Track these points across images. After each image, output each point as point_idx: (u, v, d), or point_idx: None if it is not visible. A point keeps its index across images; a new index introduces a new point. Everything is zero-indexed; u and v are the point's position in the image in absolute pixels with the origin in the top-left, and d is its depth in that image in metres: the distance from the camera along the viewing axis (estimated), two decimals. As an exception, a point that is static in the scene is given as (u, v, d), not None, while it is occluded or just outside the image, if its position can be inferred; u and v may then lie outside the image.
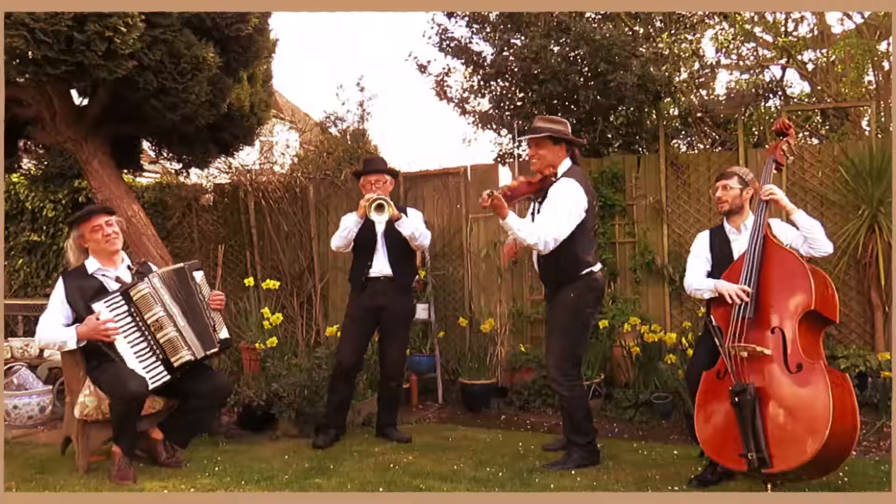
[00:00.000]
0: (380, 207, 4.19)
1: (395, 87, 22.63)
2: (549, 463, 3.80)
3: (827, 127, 6.64)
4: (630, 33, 6.23)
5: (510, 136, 6.84)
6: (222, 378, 4.01)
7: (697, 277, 3.57)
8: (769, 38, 6.82)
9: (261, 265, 6.75)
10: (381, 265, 4.35)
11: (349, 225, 4.31)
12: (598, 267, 3.79)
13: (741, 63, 6.68)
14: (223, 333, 3.95)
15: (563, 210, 3.59)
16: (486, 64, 6.31)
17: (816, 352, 3.13)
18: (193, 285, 3.85)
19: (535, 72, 5.79)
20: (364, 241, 4.36)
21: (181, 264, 3.94)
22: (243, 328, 5.59)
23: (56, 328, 3.58)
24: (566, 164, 3.75)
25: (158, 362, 3.62)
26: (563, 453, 3.89)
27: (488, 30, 6.41)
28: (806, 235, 3.35)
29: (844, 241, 5.01)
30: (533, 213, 3.83)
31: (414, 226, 4.32)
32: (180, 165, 6.34)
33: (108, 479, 3.50)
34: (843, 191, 5.20)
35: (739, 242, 3.54)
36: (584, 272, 3.70)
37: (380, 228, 4.37)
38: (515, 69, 5.97)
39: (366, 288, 4.35)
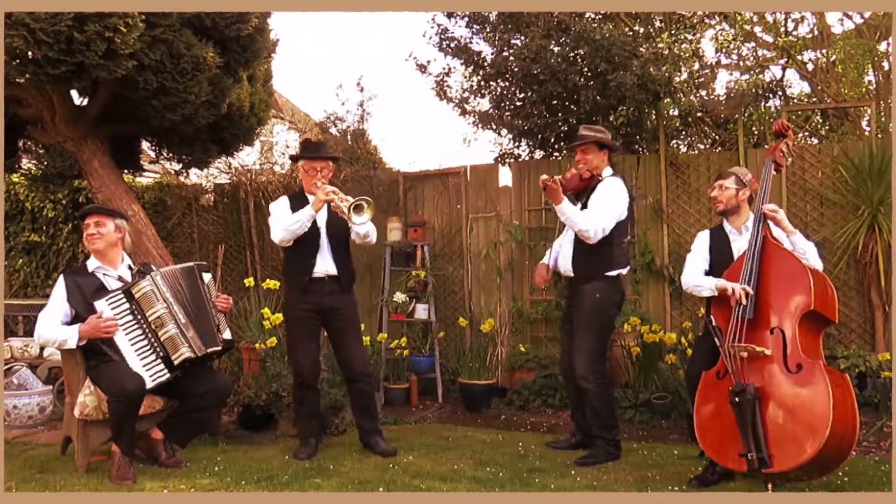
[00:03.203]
0: (359, 209, 3.76)
1: (395, 87, 22.64)
2: (579, 459, 3.86)
3: (827, 127, 6.64)
4: (630, 33, 6.22)
5: (510, 135, 6.84)
6: (222, 378, 4.01)
7: (696, 275, 3.56)
8: (769, 38, 6.82)
9: (261, 265, 6.75)
10: (325, 264, 3.99)
11: (302, 219, 3.89)
12: (625, 271, 4.01)
13: (741, 63, 6.68)
14: (226, 335, 3.96)
15: (612, 204, 3.86)
16: (486, 64, 6.31)
17: (816, 352, 3.13)
18: (202, 285, 3.87)
19: (535, 72, 5.79)
20: (305, 237, 3.96)
21: (191, 263, 3.94)
22: (243, 328, 5.58)
23: (56, 326, 3.58)
24: (608, 170, 4.03)
25: (158, 360, 3.62)
26: (582, 450, 3.99)
27: (488, 30, 6.41)
28: (799, 257, 3.32)
29: (844, 241, 5.01)
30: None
31: (370, 224, 3.96)
32: (180, 165, 6.35)
33: (108, 479, 3.50)
34: (843, 191, 5.20)
35: (739, 243, 3.54)
36: (612, 272, 3.90)
37: (322, 222, 4.02)
38: (515, 69, 5.97)
39: (308, 289, 3.99)
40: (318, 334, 4.15)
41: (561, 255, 4.08)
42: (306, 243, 3.99)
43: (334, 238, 4.04)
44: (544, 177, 3.78)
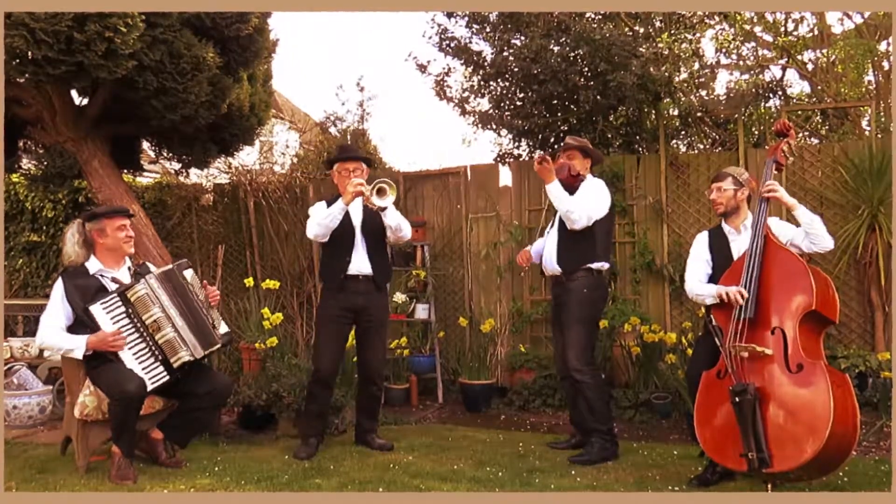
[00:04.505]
0: (381, 191, 3.89)
1: (395, 87, 22.65)
2: (573, 457, 3.89)
3: (827, 127, 6.64)
4: (630, 33, 6.22)
5: (510, 135, 6.85)
6: (222, 378, 4.00)
7: (698, 283, 3.56)
8: (769, 38, 6.82)
9: (261, 265, 6.75)
10: (360, 262, 4.06)
11: (333, 212, 3.94)
12: (607, 266, 4.10)
13: (741, 63, 6.67)
14: (223, 328, 3.94)
15: (599, 196, 4.03)
16: (486, 64, 6.31)
17: (817, 352, 3.13)
18: (186, 285, 3.81)
19: (535, 72, 5.79)
20: (340, 235, 4.03)
21: (170, 266, 3.90)
22: (243, 328, 5.58)
23: (61, 333, 3.56)
24: (590, 176, 4.19)
25: (157, 363, 3.61)
26: (581, 449, 3.99)
27: (488, 30, 6.41)
28: (807, 231, 3.35)
29: (844, 241, 5.00)
30: (552, 224, 4.21)
31: (399, 215, 4.07)
32: (180, 165, 6.34)
33: (108, 479, 3.50)
34: (843, 191, 5.20)
35: (738, 243, 3.54)
36: (596, 265, 4.00)
37: (357, 221, 4.09)
38: (515, 69, 5.97)
39: (343, 287, 4.06)
40: (347, 335, 4.21)
41: (545, 255, 4.16)
42: (341, 241, 4.06)
43: (370, 236, 4.10)
44: (540, 154, 3.92)
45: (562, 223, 4.04)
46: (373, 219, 4.08)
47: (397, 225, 4.03)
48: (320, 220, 3.98)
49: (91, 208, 4.45)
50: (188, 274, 3.87)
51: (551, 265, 4.10)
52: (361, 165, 4.17)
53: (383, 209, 3.94)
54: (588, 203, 3.96)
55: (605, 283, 4.17)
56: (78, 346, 3.52)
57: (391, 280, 4.34)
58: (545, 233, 4.27)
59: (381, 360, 4.31)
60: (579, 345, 3.95)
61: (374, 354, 4.21)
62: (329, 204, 4.06)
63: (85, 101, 5.42)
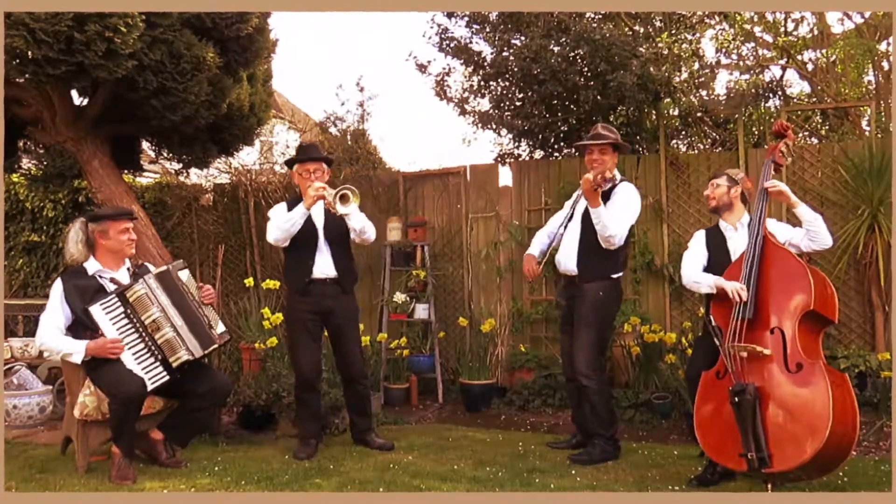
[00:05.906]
0: (344, 198, 3.83)
1: (395, 87, 22.65)
2: (573, 455, 3.89)
3: (827, 127, 6.64)
4: (630, 33, 6.23)
5: (510, 135, 6.85)
6: (222, 378, 4.01)
7: (695, 270, 3.57)
8: (769, 38, 6.82)
9: (261, 265, 6.75)
10: (324, 266, 4.00)
11: (294, 217, 3.87)
12: (622, 273, 4.04)
13: (741, 63, 6.68)
14: (220, 328, 3.93)
15: (633, 211, 3.94)
16: (486, 64, 6.31)
17: (816, 352, 3.14)
18: (181, 285, 3.81)
19: (535, 72, 5.79)
20: (303, 238, 3.96)
21: (165, 266, 3.90)
22: (243, 328, 5.58)
23: (61, 336, 3.56)
24: (617, 173, 4.04)
25: (157, 363, 3.61)
26: (582, 449, 3.99)
27: (488, 30, 6.41)
28: (808, 228, 3.38)
29: (844, 241, 5.00)
30: (571, 215, 4.07)
31: (363, 217, 4.01)
32: (180, 165, 6.34)
33: (108, 479, 3.50)
34: (843, 191, 5.20)
35: (735, 240, 3.56)
36: (616, 274, 3.95)
37: (319, 223, 4.03)
38: (515, 69, 5.97)
39: (308, 291, 4.00)
40: (320, 335, 4.15)
41: (562, 253, 4.05)
42: (304, 244, 3.99)
43: (332, 239, 4.04)
44: (590, 176, 3.73)
45: (584, 226, 3.92)
46: (336, 221, 4.01)
47: (362, 227, 3.98)
48: (280, 225, 3.91)
49: (92, 208, 4.45)
50: (184, 274, 3.88)
51: (568, 266, 3.99)
52: (322, 166, 4.08)
53: (346, 216, 3.89)
54: (626, 221, 3.86)
55: (619, 288, 4.03)
56: (77, 350, 3.51)
57: (357, 282, 4.24)
58: (560, 227, 4.11)
59: (358, 357, 4.22)
60: (589, 349, 3.89)
61: (352, 353, 4.16)
62: (290, 206, 3.99)
63: (85, 101, 5.42)
